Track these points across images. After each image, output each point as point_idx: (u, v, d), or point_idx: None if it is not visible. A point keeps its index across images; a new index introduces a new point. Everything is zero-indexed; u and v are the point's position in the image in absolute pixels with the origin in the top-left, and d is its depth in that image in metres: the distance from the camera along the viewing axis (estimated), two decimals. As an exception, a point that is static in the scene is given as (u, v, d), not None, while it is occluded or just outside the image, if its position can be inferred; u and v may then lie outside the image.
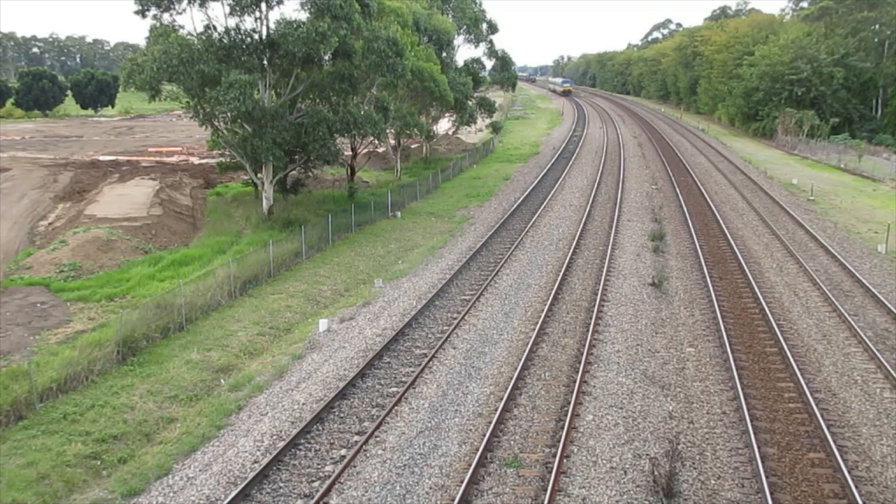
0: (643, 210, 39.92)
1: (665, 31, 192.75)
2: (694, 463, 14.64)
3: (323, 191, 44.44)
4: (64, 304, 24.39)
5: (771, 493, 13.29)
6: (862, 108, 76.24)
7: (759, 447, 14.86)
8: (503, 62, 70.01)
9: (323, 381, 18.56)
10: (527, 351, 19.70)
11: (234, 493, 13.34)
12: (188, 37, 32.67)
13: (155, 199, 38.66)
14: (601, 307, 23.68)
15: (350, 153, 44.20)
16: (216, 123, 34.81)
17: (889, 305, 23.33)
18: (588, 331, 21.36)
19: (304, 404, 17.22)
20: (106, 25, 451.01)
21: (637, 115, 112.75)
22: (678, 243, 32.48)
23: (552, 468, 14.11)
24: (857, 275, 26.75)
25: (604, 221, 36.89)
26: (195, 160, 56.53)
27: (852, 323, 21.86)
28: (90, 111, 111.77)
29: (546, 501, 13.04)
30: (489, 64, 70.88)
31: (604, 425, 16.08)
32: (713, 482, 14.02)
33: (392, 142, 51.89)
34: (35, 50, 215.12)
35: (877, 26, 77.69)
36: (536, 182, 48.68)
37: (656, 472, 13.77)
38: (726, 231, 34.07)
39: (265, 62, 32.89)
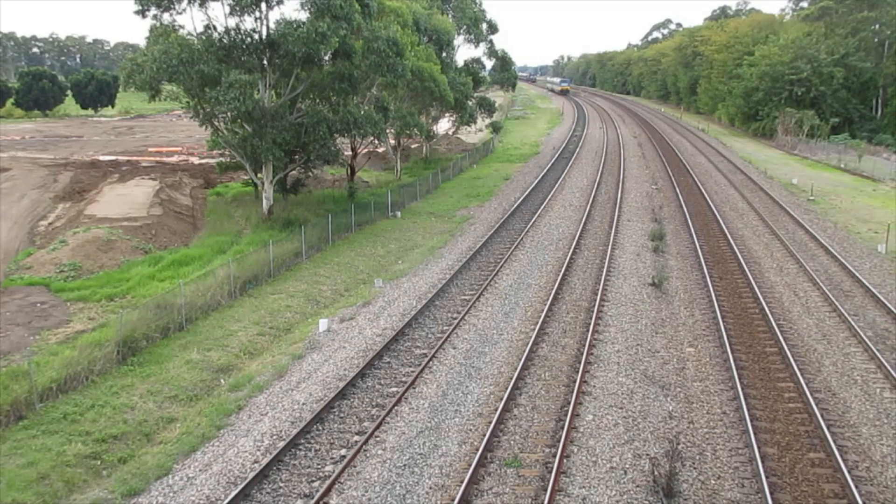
0: (643, 210, 39.92)
1: (665, 31, 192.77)
2: (694, 463, 14.65)
3: (323, 191, 44.44)
4: (64, 304, 24.39)
5: (771, 493, 13.30)
6: (862, 108, 76.25)
7: (759, 447, 14.86)
8: (503, 62, 69.99)
9: (323, 380, 18.56)
10: (527, 351, 19.70)
11: (234, 493, 13.34)
12: (188, 37, 32.67)
13: (155, 199, 38.66)
14: (601, 307, 23.68)
15: (350, 153, 44.21)
16: (216, 123, 34.81)
17: (889, 305, 23.34)
18: (588, 331, 21.36)
19: (304, 404, 17.23)
20: (106, 25, 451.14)
21: (637, 115, 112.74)
22: (678, 243, 32.49)
23: (552, 468, 14.11)
24: (857, 275, 26.75)
25: (604, 221, 36.89)
26: (195, 160, 56.53)
27: (852, 323, 21.86)
28: (90, 111, 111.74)
29: (546, 501, 13.04)
30: (489, 64, 70.94)
31: (604, 425, 16.08)
32: (713, 482, 14.02)
33: (392, 142, 51.89)
34: (35, 50, 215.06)
35: (877, 26, 77.70)
36: (536, 182, 48.68)
37: (656, 472, 13.78)
38: (726, 231, 34.08)
39: (265, 62, 32.89)
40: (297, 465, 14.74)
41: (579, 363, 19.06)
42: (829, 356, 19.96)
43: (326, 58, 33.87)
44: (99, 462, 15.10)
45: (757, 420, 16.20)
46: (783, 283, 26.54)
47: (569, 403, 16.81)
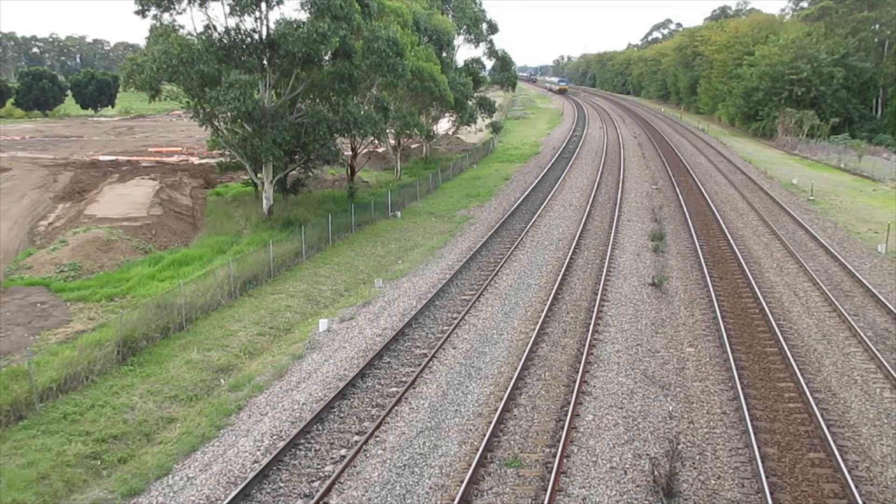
0: (643, 210, 39.92)
1: (665, 31, 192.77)
2: (694, 463, 14.64)
3: (323, 191, 44.44)
4: (64, 304, 24.39)
5: (771, 493, 13.30)
6: (862, 108, 76.25)
7: (759, 447, 14.86)
8: (503, 62, 69.99)
9: (323, 380, 18.56)
10: (527, 351, 19.70)
11: (234, 493, 13.34)
12: (188, 37, 32.65)
13: (155, 199, 38.66)
14: (601, 307, 23.68)
15: (350, 153, 44.21)
16: (216, 123, 34.81)
17: (889, 305, 23.33)
18: (588, 331, 21.36)
19: (304, 404, 17.22)
20: (106, 25, 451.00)
21: (637, 115, 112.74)
22: (678, 243, 32.48)
23: (552, 468, 14.11)
24: (857, 275, 26.75)
25: (604, 221, 36.89)
26: (195, 160, 56.53)
27: (852, 323, 21.86)
28: (90, 111, 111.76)
29: (546, 501, 13.03)
30: (489, 64, 70.94)
31: (604, 425, 16.08)
32: (713, 482, 14.02)
33: (392, 142, 51.89)
34: (35, 50, 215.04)
35: (877, 26, 77.70)
36: (536, 182, 48.68)
37: (656, 472, 13.77)
38: (726, 231, 34.08)
39: (265, 62, 32.90)
40: (297, 465, 14.74)
41: (579, 363, 19.06)
42: (829, 356, 19.96)
43: (326, 58, 33.88)
44: (99, 462, 15.10)
45: (757, 420, 16.20)
46: (783, 283, 26.54)
47: (569, 403, 16.81)
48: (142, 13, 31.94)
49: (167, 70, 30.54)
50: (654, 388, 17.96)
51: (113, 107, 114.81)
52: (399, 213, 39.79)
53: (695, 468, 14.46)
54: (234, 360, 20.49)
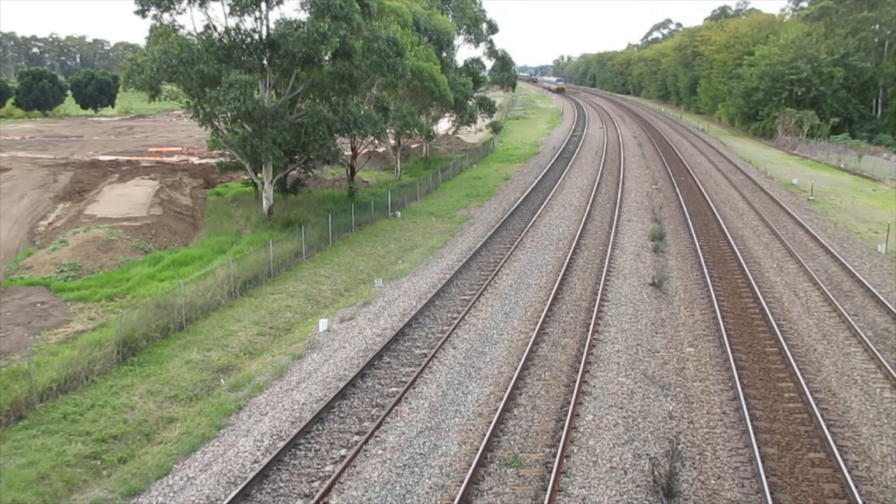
0: (643, 210, 39.92)
1: (665, 31, 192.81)
2: (694, 463, 14.65)
3: (323, 191, 44.44)
4: (64, 304, 24.39)
5: (771, 493, 13.30)
6: (862, 108, 76.25)
7: (759, 447, 14.86)
8: (503, 62, 69.97)
9: (323, 380, 18.56)
10: (527, 351, 19.70)
11: (234, 493, 13.34)
12: (188, 37, 32.68)
13: (155, 199, 38.66)
14: (601, 307, 23.68)
15: (350, 153, 44.21)
16: (216, 123, 34.81)
17: (889, 305, 23.33)
18: (588, 331, 21.36)
19: (304, 404, 17.22)
20: (106, 25, 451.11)
21: (637, 115, 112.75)
22: (678, 243, 32.48)
23: (552, 468, 14.11)
24: (857, 275, 26.75)
25: (604, 221, 36.89)
26: (195, 160, 56.52)
27: (852, 323, 21.86)
28: (90, 111, 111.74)
29: (546, 501, 13.03)
30: (489, 64, 70.91)
31: (604, 425, 16.08)
32: (713, 482, 14.02)
33: (392, 142, 51.89)
34: (35, 50, 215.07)
35: (877, 26, 77.70)
36: (536, 182, 48.68)
37: (656, 472, 13.78)
38: (726, 231, 34.07)
39: (265, 62, 32.90)
40: (297, 464, 14.75)
41: (579, 363, 19.06)
42: (829, 356, 19.96)
43: (326, 58, 33.87)
44: (99, 462, 15.10)
45: (757, 420, 16.20)
46: (783, 283, 26.54)
47: (569, 403, 16.81)
48: (142, 13, 31.95)
49: (167, 70, 30.55)
50: (654, 388, 17.96)
51: (113, 107, 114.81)
52: (399, 213, 39.79)
53: (695, 468, 14.46)
54: (234, 360, 20.49)
